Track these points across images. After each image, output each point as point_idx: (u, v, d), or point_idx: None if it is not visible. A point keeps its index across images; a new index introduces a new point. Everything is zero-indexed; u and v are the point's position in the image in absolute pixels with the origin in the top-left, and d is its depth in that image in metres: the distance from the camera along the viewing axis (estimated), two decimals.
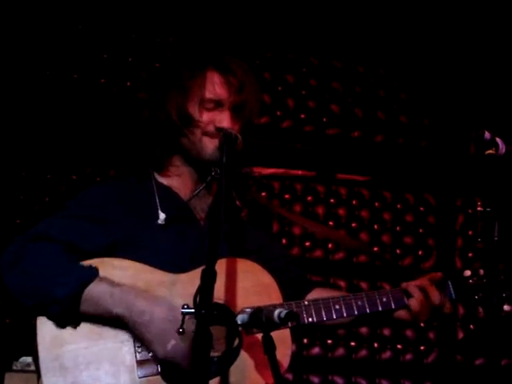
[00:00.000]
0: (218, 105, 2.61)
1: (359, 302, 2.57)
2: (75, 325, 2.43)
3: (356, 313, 2.57)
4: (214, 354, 2.39)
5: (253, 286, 2.51)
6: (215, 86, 2.60)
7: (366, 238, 4.83)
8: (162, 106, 2.64)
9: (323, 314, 2.53)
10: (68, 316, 2.41)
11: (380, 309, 2.59)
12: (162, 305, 2.42)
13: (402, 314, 2.62)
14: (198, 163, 2.65)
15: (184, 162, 2.68)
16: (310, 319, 2.52)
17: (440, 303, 2.60)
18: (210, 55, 2.67)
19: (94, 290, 2.41)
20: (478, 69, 4.85)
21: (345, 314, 2.56)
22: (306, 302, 2.54)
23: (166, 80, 2.69)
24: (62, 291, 2.39)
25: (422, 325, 2.74)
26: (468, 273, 2.64)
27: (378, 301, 2.59)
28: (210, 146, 2.59)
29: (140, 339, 2.41)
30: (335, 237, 3.52)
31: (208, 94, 2.60)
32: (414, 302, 2.58)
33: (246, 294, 2.48)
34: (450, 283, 2.64)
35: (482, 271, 2.64)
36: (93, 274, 2.44)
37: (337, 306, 2.55)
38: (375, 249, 4.83)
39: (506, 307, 2.58)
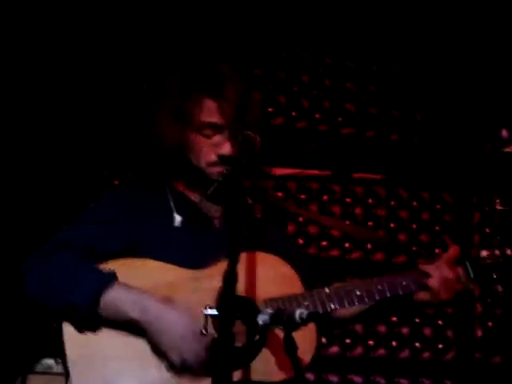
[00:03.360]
0: (216, 129, 2.62)
1: (379, 287, 2.59)
2: (97, 329, 2.44)
3: (377, 298, 2.60)
4: (236, 344, 2.39)
5: (274, 278, 2.54)
6: (212, 113, 2.62)
7: None
8: (157, 134, 2.66)
9: (345, 300, 2.57)
10: (89, 321, 2.44)
11: (400, 292, 2.61)
12: (179, 311, 2.43)
13: (422, 295, 2.64)
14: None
15: (192, 173, 2.70)
16: (332, 306, 2.55)
17: (459, 280, 2.62)
18: (204, 81, 2.66)
19: (111, 295, 2.43)
20: (492, 68, 4.84)
21: (366, 299, 2.59)
22: (328, 290, 2.57)
23: (157, 105, 2.70)
24: (80, 298, 2.41)
25: (443, 304, 2.73)
26: (485, 253, 2.67)
27: (398, 284, 2.61)
28: (214, 173, 2.62)
29: (156, 346, 2.42)
30: (348, 229, 3.54)
31: (205, 120, 2.61)
32: (433, 282, 2.60)
33: (267, 285, 2.51)
34: (467, 263, 2.65)
35: (498, 251, 2.67)
36: (110, 279, 2.46)
37: (358, 292, 2.58)
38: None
39: None
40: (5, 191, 4.41)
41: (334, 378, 4.69)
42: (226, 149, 2.61)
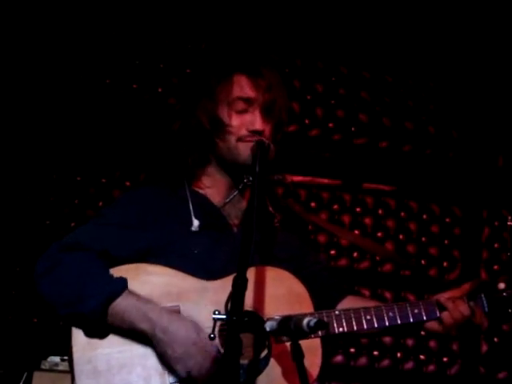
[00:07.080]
0: (247, 104, 2.62)
1: (390, 313, 2.55)
2: (104, 335, 2.44)
3: (387, 324, 2.56)
4: (242, 361, 2.40)
5: (284, 295, 2.51)
6: (243, 87, 2.63)
7: (391, 248, 4.82)
8: (193, 114, 2.67)
9: (354, 324, 2.52)
10: (96, 327, 2.44)
11: (411, 320, 2.57)
12: (187, 325, 2.41)
13: (433, 325, 2.61)
14: (231, 168, 2.66)
15: (217, 168, 2.69)
16: (341, 329, 2.51)
17: (472, 316, 2.56)
18: (236, 59, 2.70)
19: (121, 304, 2.43)
20: (506, 82, 4.84)
21: (376, 325, 2.54)
22: (337, 312, 2.53)
23: (195, 87, 2.73)
24: (90, 306, 2.41)
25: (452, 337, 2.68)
26: (502, 285, 2.59)
27: (410, 312, 2.57)
28: (245, 150, 2.58)
29: (162, 356, 2.42)
30: (371, 247, 3.47)
31: (236, 94, 2.62)
32: (446, 315, 2.56)
33: (276, 302, 2.48)
34: (483, 296, 2.60)
35: None
36: (121, 288, 2.44)
37: (368, 317, 2.54)
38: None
39: None
40: (17, 192, 4.44)
41: None
42: (258, 125, 2.60)
